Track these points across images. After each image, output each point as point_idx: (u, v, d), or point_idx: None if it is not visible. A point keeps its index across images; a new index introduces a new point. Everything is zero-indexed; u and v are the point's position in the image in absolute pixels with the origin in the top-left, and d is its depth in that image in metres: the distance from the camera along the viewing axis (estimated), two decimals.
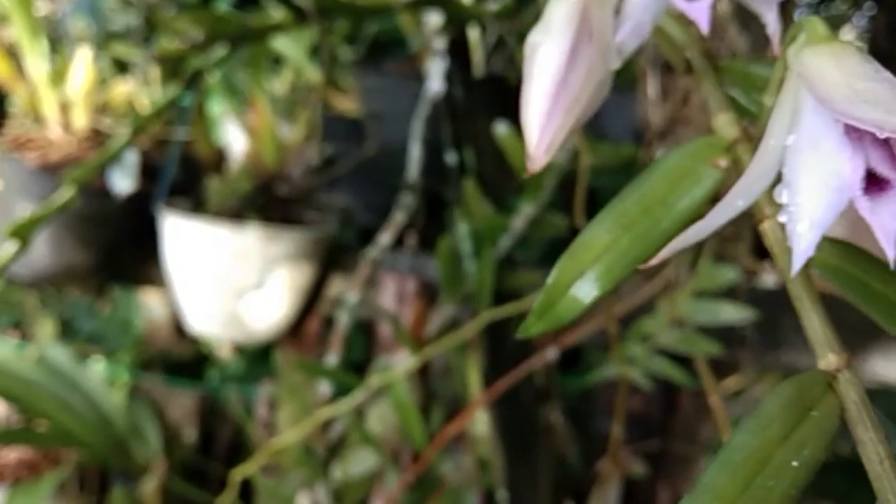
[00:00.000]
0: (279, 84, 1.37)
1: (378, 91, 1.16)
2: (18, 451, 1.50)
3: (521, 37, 0.92)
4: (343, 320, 0.92)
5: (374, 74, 1.17)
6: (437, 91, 0.89)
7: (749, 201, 0.29)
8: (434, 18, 0.86)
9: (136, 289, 1.57)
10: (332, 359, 0.91)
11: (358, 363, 1.22)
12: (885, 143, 0.25)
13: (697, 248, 0.82)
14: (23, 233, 0.67)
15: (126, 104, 1.30)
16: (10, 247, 0.68)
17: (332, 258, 1.26)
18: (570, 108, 0.35)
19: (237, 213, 1.18)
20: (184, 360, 1.71)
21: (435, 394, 1.18)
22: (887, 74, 0.26)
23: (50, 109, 1.24)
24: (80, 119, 1.25)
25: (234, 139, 1.31)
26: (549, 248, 1.01)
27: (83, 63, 1.24)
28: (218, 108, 1.33)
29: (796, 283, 0.29)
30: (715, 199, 0.31)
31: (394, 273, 1.19)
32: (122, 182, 1.07)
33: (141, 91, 1.34)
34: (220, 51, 0.66)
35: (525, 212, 0.85)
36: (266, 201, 1.22)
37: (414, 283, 1.19)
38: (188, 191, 1.28)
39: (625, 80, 0.82)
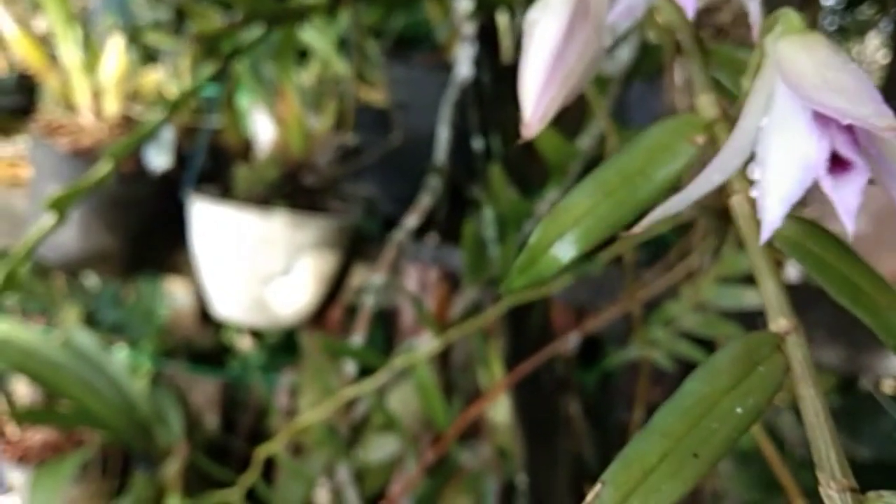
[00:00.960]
0: (307, 76, 1.39)
1: (405, 82, 1.18)
2: (43, 433, 1.53)
3: None
4: (368, 303, 0.93)
5: (402, 66, 1.19)
6: (465, 76, 0.90)
7: (724, 177, 0.31)
8: (464, 4, 0.87)
9: (162, 277, 1.60)
10: (357, 339, 0.92)
11: (381, 349, 1.23)
12: (849, 128, 0.27)
13: (721, 236, 0.83)
14: (61, 205, 0.69)
15: (156, 92, 1.32)
16: (49, 219, 0.70)
17: (355, 247, 1.27)
18: (564, 80, 0.36)
19: (264, 199, 1.20)
20: (206, 349, 1.73)
21: (455, 385, 1.19)
22: (853, 66, 0.28)
23: (82, 96, 1.27)
24: (112, 106, 1.27)
25: (262, 129, 1.33)
26: None
27: (115, 51, 1.27)
28: (246, 98, 1.34)
29: (756, 253, 0.31)
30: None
31: (416, 263, 1.20)
32: (159, 159, 1.09)
33: (171, 80, 1.36)
34: (256, 31, 0.68)
35: (550, 197, 0.87)
36: (293, 189, 1.23)
37: (436, 273, 1.21)
38: (216, 178, 1.30)
39: (651, 67, 0.83)
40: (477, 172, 0.95)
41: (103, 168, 0.71)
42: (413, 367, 0.88)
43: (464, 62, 0.89)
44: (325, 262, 1.21)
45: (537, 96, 0.36)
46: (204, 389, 1.57)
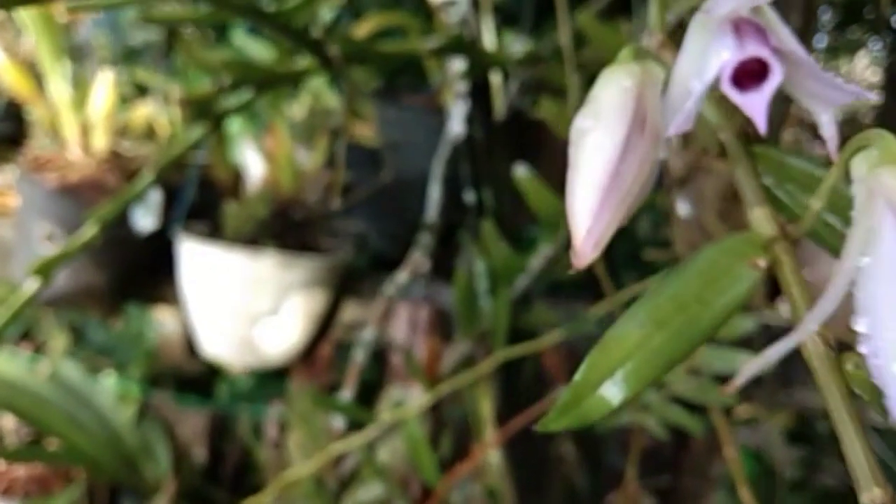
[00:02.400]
0: (298, 108, 1.38)
1: (396, 122, 1.17)
2: (28, 466, 1.51)
3: (542, 83, 0.94)
4: (358, 357, 0.92)
5: (393, 106, 1.18)
6: (457, 133, 0.89)
7: (818, 324, 0.28)
8: (457, 63, 0.87)
9: (150, 306, 1.58)
10: (346, 394, 0.91)
11: (371, 385, 1.22)
12: None
13: None
14: (46, 270, 0.68)
15: (146, 126, 1.31)
16: (33, 284, 0.69)
17: (345, 284, 1.26)
18: (621, 201, 0.33)
19: (253, 239, 1.19)
20: (194, 375, 1.71)
21: (445, 420, 1.18)
22: None
23: (70, 131, 1.26)
24: (100, 141, 1.26)
25: (252, 162, 1.32)
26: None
27: (104, 86, 1.25)
28: (236, 130, 1.33)
29: (840, 408, 0.29)
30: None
31: (407, 301, 1.19)
32: (145, 220, 1.08)
33: (161, 112, 1.35)
34: (245, 94, 0.67)
35: (543, 252, 0.86)
36: (282, 227, 1.22)
37: (427, 311, 1.20)
38: (206, 214, 1.29)
39: None
40: (469, 224, 0.95)
41: (89, 231, 0.70)
42: (402, 422, 0.87)
43: (456, 119, 0.89)
44: (315, 300, 1.20)
45: (591, 221, 0.33)
46: (191, 421, 1.55)
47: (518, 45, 0.91)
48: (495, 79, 0.93)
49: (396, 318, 1.23)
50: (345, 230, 1.28)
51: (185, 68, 1.40)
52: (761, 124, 0.30)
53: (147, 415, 1.52)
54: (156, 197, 1.09)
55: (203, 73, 1.17)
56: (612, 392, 0.30)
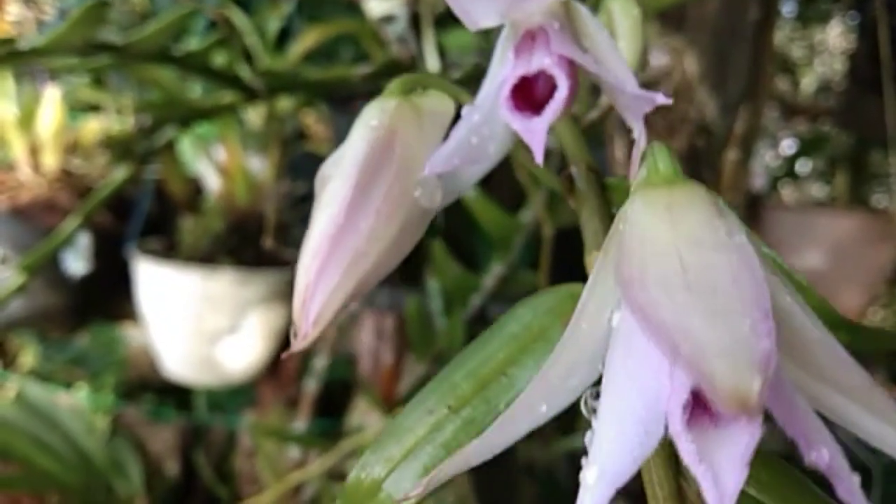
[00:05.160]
0: (254, 114, 1.35)
1: (350, 130, 1.14)
2: None
3: None
4: (310, 387, 0.91)
5: (346, 114, 1.15)
6: None
7: (557, 404, 0.22)
8: None
9: (113, 323, 1.56)
10: (300, 425, 0.89)
11: (345, 387, 1.20)
12: None
13: None
14: None
15: (96, 141, 1.28)
16: None
17: None
18: (351, 265, 0.27)
19: (209, 255, 1.16)
20: (170, 385, 1.69)
21: None
22: (740, 240, 0.19)
23: (19, 152, 1.22)
24: (50, 160, 1.23)
25: (208, 173, 1.29)
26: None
27: (51, 103, 1.22)
28: (188, 142, 1.30)
29: None
30: None
31: (372, 309, 1.17)
32: (76, 264, 1.06)
33: (113, 124, 1.32)
34: (169, 132, 0.65)
35: (495, 271, 0.84)
36: (239, 241, 1.20)
37: (392, 319, 1.18)
38: (163, 227, 1.26)
39: (593, 139, 0.80)
40: (418, 248, 0.92)
41: (17, 281, 0.67)
42: (362, 450, 0.85)
43: None
44: (275, 315, 1.18)
45: (309, 290, 0.27)
46: (163, 434, 1.53)
47: (469, 60, 0.88)
48: None
49: (362, 326, 1.21)
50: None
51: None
52: (538, 152, 0.24)
53: (117, 431, 1.50)
54: (84, 241, 1.06)
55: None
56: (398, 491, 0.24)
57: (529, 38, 0.26)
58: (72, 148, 1.26)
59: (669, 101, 0.24)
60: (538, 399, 0.22)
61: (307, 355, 1.33)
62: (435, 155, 0.27)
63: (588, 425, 0.21)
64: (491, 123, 0.28)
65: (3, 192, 1.23)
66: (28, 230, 1.22)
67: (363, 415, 1.05)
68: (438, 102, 0.30)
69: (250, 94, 0.62)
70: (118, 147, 0.63)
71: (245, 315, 1.14)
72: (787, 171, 2.64)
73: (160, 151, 0.65)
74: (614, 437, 0.18)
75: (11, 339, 1.68)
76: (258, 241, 1.22)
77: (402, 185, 0.28)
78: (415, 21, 0.79)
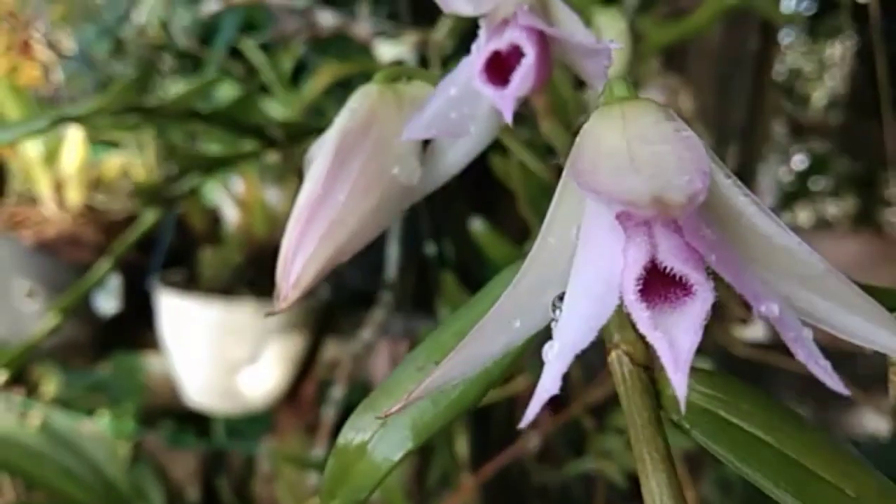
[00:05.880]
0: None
1: None
2: None
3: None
4: (329, 415, 0.94)
5: None
6: None
7: (530, 321, 0.23)
8: None
9: (135, 352, 1.60)
10: (319, 451, 0.92)
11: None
12: (679, 228, 0.19)
13: None
14: (12, 363, 0.69)
15: (119, 178, 1.32)
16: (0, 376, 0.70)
17: (325, 322, 1.27)
18: (329, 232, 0.30)
19: (229, 287, 1.20)
20: (186, 411, 1.73)
21: (421, 468, 1.19)
22: (688, 134, 0.20)
23: (44, 188, 1.27)
24: (74, 196, 1.27)
25: (227, 206, 1.33)
26: None
27: (75, 140, 1.26)
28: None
29: (641, 440, 0.23)
30: None
31: (387, 337, 1.20)
32: (107, 304, 1.09)
33: (135, 159, 1.36)
34: (194, 179, 0.68)
35: None
36: (257, 272, 1.23)
37: (407, 346, 1.21)
38: (183, 258, 1.30)
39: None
40: (430, 279, 0.96)
41: (51, 322, 0.71)
42: None
43: None
44: (294, 344, 1.21)
45: (289, 256, 0.30)
46: (184, 461, 1.57)
47: None
48: None
49: (377, 354, 1.24)
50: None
51: None
52: (507, 116, 0.27)
53: (139, 457, 1.54)
54: (115, 282, 1.10)
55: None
56: (386, 449, 0.26)
57: (503, 23, 0.29)
58: (95, 184, 1.30)
59: (622, 46, 0.27)
60: (510, 312, 0.23)
61: (325, 384, 1.36)
62: (411, 122, 0.29)
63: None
64: (471, 103, 0.31)
65: (29, 227, 1.27)
66: (53, 264, 1.26)
67: None
68: (420, 90, 0.32)
69: (270, 142, 0.66)
70: (146, 194, 0.67)
71: (265, 344, 1.17)
72: (800, 188, 2.64)
73: (185, 196, 0.68)
74: (573, 312, 0.20)
75: (33, 367, 1.71)
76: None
77: (379, 162, 0.30)
78: (423, 64, 0.83)
